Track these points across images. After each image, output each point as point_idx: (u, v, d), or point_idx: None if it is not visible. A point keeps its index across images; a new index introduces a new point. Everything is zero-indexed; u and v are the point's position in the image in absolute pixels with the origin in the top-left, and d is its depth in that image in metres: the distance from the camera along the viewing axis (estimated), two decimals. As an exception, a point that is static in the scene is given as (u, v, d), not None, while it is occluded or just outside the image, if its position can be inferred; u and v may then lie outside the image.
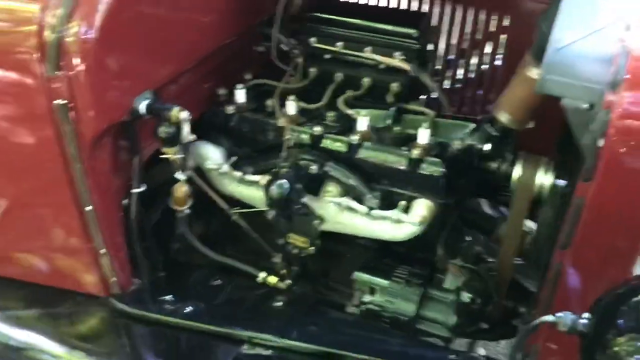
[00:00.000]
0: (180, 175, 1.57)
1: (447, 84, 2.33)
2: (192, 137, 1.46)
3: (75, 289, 1.63)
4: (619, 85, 1.05)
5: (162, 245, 1.72)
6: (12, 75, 1.27)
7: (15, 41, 1.24)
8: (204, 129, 1.75)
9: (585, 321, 1.02)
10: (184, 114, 1.40)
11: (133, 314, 1.58)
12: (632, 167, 1.08)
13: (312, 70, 1.79)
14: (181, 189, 1.61)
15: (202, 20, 1.61)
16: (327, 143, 1.63)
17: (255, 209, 1.67)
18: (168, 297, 1.59)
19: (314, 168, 1.59)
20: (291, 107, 1.67)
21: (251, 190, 1.70)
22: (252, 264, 1.74)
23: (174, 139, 1.44)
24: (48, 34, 1.21)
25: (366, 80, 1.73)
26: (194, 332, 1.55)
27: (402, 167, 1.56)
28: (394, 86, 1.71)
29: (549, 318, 1.04)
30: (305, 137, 1.64)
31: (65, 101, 1.27)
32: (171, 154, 1.48)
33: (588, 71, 1.12)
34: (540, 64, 1.40)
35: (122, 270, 1.60)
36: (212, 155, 1.73)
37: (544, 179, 1.50)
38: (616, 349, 0.98)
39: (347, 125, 1.65)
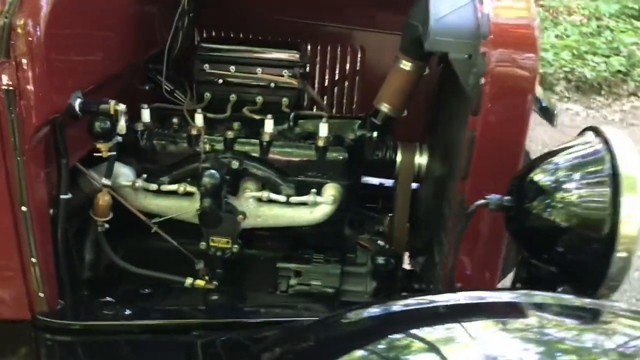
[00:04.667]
0: (106, 181, 1.62)
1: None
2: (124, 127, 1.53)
3: None
4: (485, 38, 1.43)
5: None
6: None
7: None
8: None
9: (507, 197, 1.31)
10: (122, 106, 1.49)
11: (67, 328, 1.52)
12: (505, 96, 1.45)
13: (207, 95, 1.97)
14: (104, 198, 1.65)
15: (116, 39, 1.73)
16: (240, 145, 1.80)
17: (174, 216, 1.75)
18: (106, 300, 1.56)
19: (235, 163, 1.74)
20: (199, 118, 1.82)
21: (169, 200, 1.78)
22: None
23: (109, 134, 1.51)
24: (-1, 20, 1.27)
25: (259, 98, 1.96)
26: (139, 332, 1.54)
27: (311, 158, 1.79)
28: (285, 100, 1.96)
29: (482, 201, 1.32)
30: (219, 142, 1.79)
31: (12, 88, 1.30)
32: (105, 149, 1.53)
33: (462, 32, 1.49)
34: (409, 56, 1.78)
35: (49, 286, 1.54)
36: (124, 173, 1.78)
37: (420, 159, 1.86)
38: (535, 211, 1.28)
39: (252, 131, 1.84)
